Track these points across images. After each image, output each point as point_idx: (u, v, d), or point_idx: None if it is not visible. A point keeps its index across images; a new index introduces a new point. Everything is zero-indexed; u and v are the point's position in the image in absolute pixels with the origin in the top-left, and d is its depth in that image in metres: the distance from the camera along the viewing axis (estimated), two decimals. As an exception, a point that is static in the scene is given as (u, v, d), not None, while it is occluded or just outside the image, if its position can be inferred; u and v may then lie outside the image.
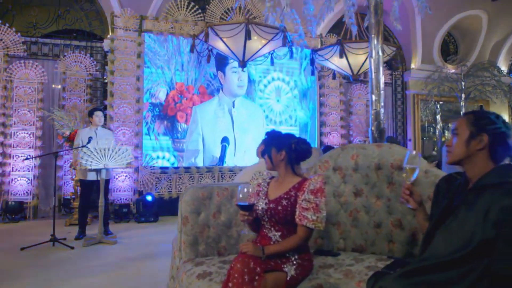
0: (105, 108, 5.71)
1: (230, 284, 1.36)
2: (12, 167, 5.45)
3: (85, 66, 5.92)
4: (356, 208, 1.96)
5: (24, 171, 5.49)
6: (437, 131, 8.77)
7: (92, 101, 6.07)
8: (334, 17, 7.17)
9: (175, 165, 6.05)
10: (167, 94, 6.07)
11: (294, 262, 1.54)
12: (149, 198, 5.48)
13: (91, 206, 4.58)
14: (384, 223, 1.87)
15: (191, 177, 6.01)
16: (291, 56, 4.23)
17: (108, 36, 5.88)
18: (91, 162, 3.83)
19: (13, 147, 5.48)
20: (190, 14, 6.11)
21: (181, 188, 5.92)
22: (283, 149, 1.64)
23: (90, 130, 4.38)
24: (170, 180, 5.94)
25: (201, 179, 6.08)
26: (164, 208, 5.60)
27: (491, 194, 1.14)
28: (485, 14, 8.48)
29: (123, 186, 5.66)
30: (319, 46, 6.46)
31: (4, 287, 2.73)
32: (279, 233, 1.60)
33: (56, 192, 5.33)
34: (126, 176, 5.66)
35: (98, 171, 4.00)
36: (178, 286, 1.72)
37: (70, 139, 5.06)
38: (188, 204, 1.93)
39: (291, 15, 3.38)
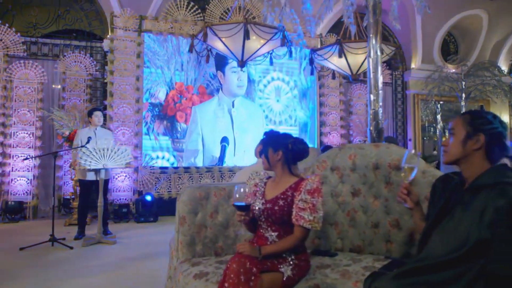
0: (104, 108, 5.71)
1: (226, 284, 1.36)
2: (12, 167, 5.46)
3: (85, 66, 5.92)
4: (353, 208, 1.95)
5: (23, 171, 5.50)
6: (437, 131, 8.76)
7: (92, 101, 6.08)
8: (334, 17, 7.17)
9: (175, 165, 6.06)
10: (167, 94, 6.07)
11: (291, 263, 1.54)
12: (148, 198, 5.48)
13: (90, 206, 4.58)
14: (382, 223, 1.86)
15: (190, 177, 6.01)
16: (290, 56, 4.23)
17: (108, 36, 5.88)
18: (90, 162, 3.83)
19: (13, 147, 5.48)
20: (190, 14, 6.11)
21: (180, 188, 5.92)
22: (279, 149, 1.63)
23: (89, 130, 4.39)
24: (169, 180, 5.94)
25: (200, 179, 6.08)
26: (164, 208, 5.60)
27: (487, 194, 1.14)
28: (486, 13, 8.46)
29: (122, 186, 5.66)
30: (318, 46, 6.45)
31: (3, 287, 2.73)
32: (276, 233, 1.60)
33: (56, 192, 5.34)
34: (125, 176, 5.67)
35: (97, 171, 4.00)
36: (175, 286, 1.72)
37: (70, 139, 5.07)
38: (186, 204, 1.93)
39: (290, 15, 3.38)
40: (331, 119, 7.25)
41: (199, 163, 6.20)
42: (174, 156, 6.09)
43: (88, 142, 4.12)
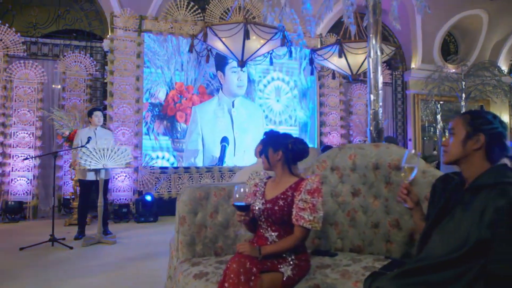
0: (104, 108, 5.71)
1: (226, 284, 1.36)
2: (12, 167, 5.46)
3: (85, 66, 5.92)
4: (353, 208, 1.95)
5: (23, 171, 5.50)
6: (437, 131, 8.76)
7: (92, 101, 6.08)
8: (334, 17, 7.17)
9: (175, 165, 6.06)
10: (167, 94, 6.07)
11: (291, 263, 1.54)
12: (148, 198, 5.48)
13: (90, 206, 4.58)
14: (382, 223, 1.86)
15: (190, 177, 6.01)
16: (290, 56, 4.23)
17: (108, 36, 5.88)
18: (90, 162, 3.83)
19: (13, 147, 5.48)
20: (190, 14, 6.11)
21: (180, 188, 5.92)
22: (279, 149, 1.63)
23: (89, 130, 4.39)
24: (169, 180, 5.94)
25: (200, 179, 6.08)
26: (164, 208, 5.60)
27: (487, 194, 1.14)
28: (486, 13, 8.46)
29: (122, 186, 5.66)
30: (319, 46, 6.45)
31: (3, 287, 2.73)
32: (276, 234, 1.60)
33: (56, 192, 5.35)
34: (125, 176, 5.67)
35: (97, 171, 4.00)
36: (175, 286, 1.72)
37: (70, 139, 5.07)
38: (185, 204, 1.93)
39: (290, 14, 3.38)
40: (331, 119, 7.25)
41: (199, 163, 6.20)
42: (174, 156, 6.09)
43: (88, 142, 4.12)
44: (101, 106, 5.89)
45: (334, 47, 4.14)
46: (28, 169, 5.51)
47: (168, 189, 5.92)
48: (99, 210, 3.99)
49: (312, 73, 4.93)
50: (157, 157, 5.98)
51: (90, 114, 4.43)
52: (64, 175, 5.72)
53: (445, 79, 7.97)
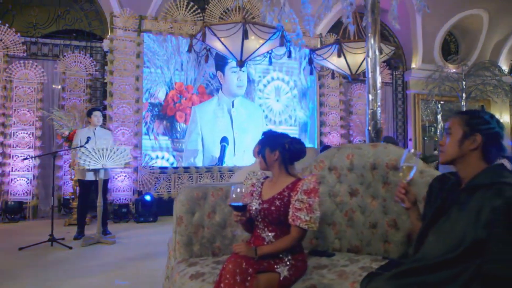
0: (104, 108, 5.71)
1: (222, 285, 1.36)
2: (12, 167, 5.47)
3: (85, 66, 5.93)
4: (351, 208, 1.95)
5: (23, 171, 5.50)
6: (438, 131, 8.74)
7: (92, 101, 6.08)
8: (334, 17, 7.16)
9: (175, 165, 6.06)
10: (166, 94, 6.07)
11: (288, 263, 1.53)
12: (148, 198, 5.49)
13: (90, 206, 4.58)
14: (380, 223, 1.86)
15: (190, 177, 6.01)
16: (289, 56, 4.22)
17: (108, 36, 5.89)
18: (89, 162, 3.83)
19: (13, 147, 5.49)
20: (189, 14, 6.10)
21: (180, 188, 5.92)
22: (276, 149, 1.63)
23: (88, 130, 4.39)
24: (169, 180, 5.94)
25: (200, 179, 6.07)
26: (164, 208, 5.60)
27: (483, 194, 1.13)
28: (486, 13, 8.44)
29: (122, 186, 5.66)
30: (319, 46, 6.44)
31: (3, 287, 2.73)
32: (273, 234, 1.59)
33: (55, 192, 5.35)
34: (125, 176, 5.67)
35: (96, 171, 4.00)
36: (171, 286, 1.72)
37: (69, 139, 5.07)
38: (183, 204, 1.93)
39: (289, 14, 3.37)
40: (331, 119, 7.24)
41: (199, 163, 6.20)
42: (173, 156, 6.09)
43: (87, 142, 4.12)
44: (100, 106, 5.90)
45: (333, 47, 4.14)
46: (28, 169, 5.52)
47: (167, 189, 5.92)
48: (98, 210, 3.99)
49: (311, 73, 4.93)
50: (157, 157, 5.98)
51: (89, 114, 4.43)
52: (64, 175, 5.73)
53: (446, 79, 7.95)
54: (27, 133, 5.57)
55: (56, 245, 3.80)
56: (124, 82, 5.77)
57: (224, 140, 6.35)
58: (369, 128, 2.43)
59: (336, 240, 1.97)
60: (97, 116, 4.39)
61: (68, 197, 5.62)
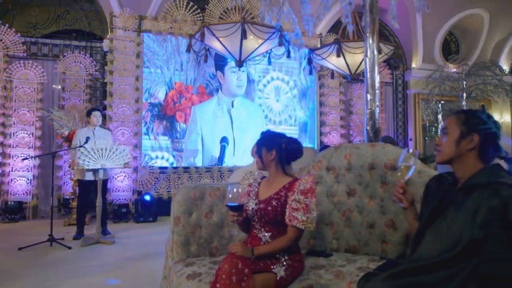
0: (104, 108, 5.72)
1: (217, 285, 1.35)
2: (12, 167, 5.47)
3: (85, 66, 5.93)
4: (349, 208, 1.94)
5: (23, 171, 5.51)
6: (438, 131, 8.72)
7: (92, 101, 6.08)
8: (334, 17, 7.15)
9: (174, 165, 6.06)
10: (166, 94, 6.07)
11: (284, 263, 1.53)
12: (147, 198, 5.49)
13: (89, 206, 4.59)
14: (377, 223, 1.85)
15: (190, 177, 6.01)
16: (288, 56, 4.21)
17: (107, 36, 5.89)
18: (89, 162, 3.83)
19: (13, 147, 5.50)
20: (189, 14, 6.10)
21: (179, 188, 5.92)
22: (273, 149, 1.62)
23: (88, 130, 4.39)
24: (169, 180, 5.94)
25: (200, 179, 6.07)
26: (163, 208, 5.60)
27: (480, 194, 1.13)
28: (487, 13, 8.42)
29: (122, 186, 5.67)
30: (318, 46, 6.43)
31: (2, 287, 2.73)
32: (269, 234, 1.59)
33: (55, 192, 5.35)
34: (125, 176, 5.67)
35: (95, 171, 4.00)
36: (169, 286, 1.72)
37: (69, 139, 5.07)
38: (180, 204, 1.92)
39: (288, 14, 3.37)
40: (331, 119, 7.23)
41: (199, 163, 6.20)
42: (173, 156, 6.09)
43: (86, 142, 4.12)
44: (100, 106, 5.90)
45: (332, 47, 4.13)
46: (28, 169, 5.53)
47: (167, 189, 5.92)
48: (98, 210, 3.99)
49: (310, 73, 4.92)
50: (157, 157, 5.98)
51: (88, 114, 4.43)
52: (64, 175, 5.73)
53: (446, 79, 7.93)
54: (27, 133, 5.58)
55: (56, 245, 3.80)
56: (124, 82, 5.77)
57: (224, 140, 6.35)
58: (368, 128, 2.43)
59: (333, 240, 1.96)
60: (96, 116, 4.39)
61: (68, 197, 5.62)
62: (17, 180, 5.48)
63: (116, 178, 5.62)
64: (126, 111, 5.76)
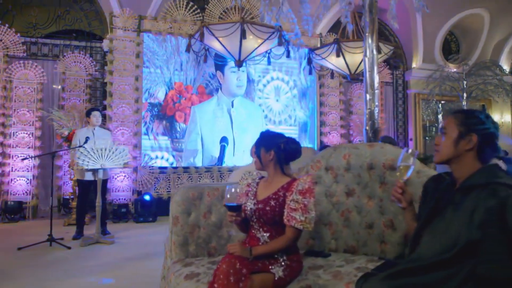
0: (104, 108, 5.72)
1: (215, 285, 1.35)
2: (12, 167, 5.48)
3: (85, 66, 5.93)
4: (348, 208, 1.94)
5: (23, 171, 5.51)
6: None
7: (91, 101, 6.08)
8: (334, 17, 7.14)
9: (174, 165, 6.06)
10: (166, 94, 6.07)
11: (283, 263, 1.53)
12: (147, 198, 5.49)
13: (89, 206, 4.59)
14: (376, 223, 1.84)
15: (190, 177, 6.01)
16: (288, 56, 4.21)
17: (107, 36, 5.89)
18: (88, 162, 3.83)
19: (13, 147, 5.50)
20: (189, 14, 6.10)
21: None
22: (271, 149, 1.62)
23: (87, 130, 4.39)
24: (169, 180, 5.94)
25: (200, 179, 6.07)
26: (163, 208, 5.59)
27: (477, 194, 1.13)
28: (487, 12, 8.41)
29: (121, 186, 5.67)
30: (318, 45, 6.43)
31: (1, 287, 2.73)
32: (268, 234, 1.58)
33: (55, 192, 5.35)
34: (125, 176, 5.67)
35: (95, 171, 4.00)
36: (167, 286, 1.71)
37: (69, 139, 5.07)
38: (178, 204, 1.92)
39: (287, 14, 3.36)
40: (331, 119, 7.23)
41: (198, 163, 6.20)
42: (173, 156, 6.09)
43: (86, 142, 4.12)
44: (100, 106, 5.90)
45: (331, 47, 4.12)
46: (27, 169, 5.53)
47: (167, 189, 5.92)
48: (97, 210, 3.99)
49: (310, 73, 4.92)
50: (156, 157, 5.98)
51: (88, 114, 4.44)
52: (64, 175, 5.73)
53: (446, 79, 7.92)
54: (27, 133, 5.58)
55: (55, 245, 3.80)
56: (124, 82, 5.77)
57: (223, 140, 6.35)
58: (367, 127, 2.42)
59: (332, 240, 1.96)
60: (96, 116, 4.39)
61: (67, 197, 5.63)
62: (17, 180, 5.49)
63: (116, 178, 5.62)
64: (126, 111, 5.76)
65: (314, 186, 1.60)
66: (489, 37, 8.78)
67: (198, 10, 6.16)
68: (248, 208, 1.62)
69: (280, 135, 1.67)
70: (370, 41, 2.44)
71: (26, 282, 2.80)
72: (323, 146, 4.99)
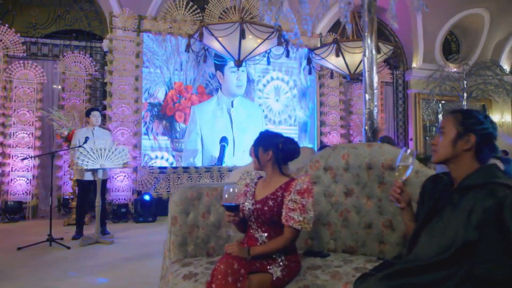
0: (104, 108, 5.72)
1: (213, 286, 1.35)
2: (12, 167, 5.48)
3: (85, 66, 5.93)
4: (346, 208, 1.94)
5: (23, 171, 5.52)
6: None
7: (91, 101, 6.09)
8: (334, 16, 7.13)
9: (174, 165, 6.06)
10: (166, 94, 6.08)
11: (281, 264, 1.52)
12: (147, 198, 5.49)
13: (89, 206, 4.59)
14: (375, 223, 1.84)
15: (189, 177, 6.01)
16: (287, 56, 4.21)
17: (107, 36, 5.89)
18: (87, 162, 3.83)
19: (13, 147, 5.51)
20: (189, 14, 6.10)
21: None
22: (270, 148, 1.62)
23: (87, 130, 4.39)
24: (168, 180, 5.94)
25: (199, 179, 6.07)
26: (163, 208, 5.58)
27: (475, 194, 1.12)
28: (487, 12, 8.40)
29: (121, 186, 5.67)
30: (319, 45, 6.43)
31: (0, 286, 2.73)
32: (266, 234, 1.58)
33: (55, 192, 5.36)
34: (124, 176, 5.67)
35: (95, 171, 4.00)
36: (165, 286, 1.71)
37: (68, 139, 5.08)
38: (177, 205, 1.92)
39: (287, 14, 3.36)
40: (331, 119, 7.23)
41: (198, 163, 6.20)
42: (173, 156, 6.09)
43: (85, 142, 4.12)
44: (100, 106, 5.90)
45: (331, 47, 4.12)
46: (27, 169, 5.53)
47: (167, 189, 5.92)
48: (97, 210, 3.99)
49: (310, 72, 4.91)
50: (156, 157, 5.98)
51: (87, 114, 4.44)
52: (64, 175, 5.74)
53: (447, 79, 7.92)
54: (26, 133, 5.58)
55: (55, 245, 3.80)
56: (124, 82, 5.77)
57: (223, 140, 6.35)
58: (366, 127, 2.42)
59: (331, 240, 1.95)
60: (95, 116, 4.39)
61: (67, 197, 5.63)
62: (17, 180, 5.49)
63: (115, 178, 5.62)
64: (126, 111, 5.76)
65: (312, 186, 1.59)
66: (490, 37, 8.77)
67: (198, 10, 6.16)
68: (246, 208, 1.61)
69: (278, 135, 1.67)
70: (369, 41, 2.43)
71: (25, 282, 2.80)
72: (322, 146, 4.99)
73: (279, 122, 6.91)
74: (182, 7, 6.06)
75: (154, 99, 6.02)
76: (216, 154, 6.31)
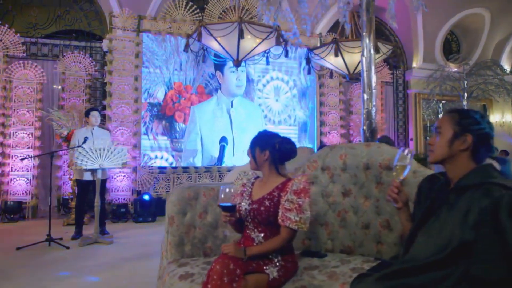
0: (103, 108, 5.72)
1: (209, 286, 1.34)
2: (11, 167, 5.49)
3: (84, 66, 5.94)
4: (344, 208, 1.93)
5: (23, 171, 5.52)
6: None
7: (91, 101, 6.09)
8: (334, 16, 7.12)
9: (173, 165, 6.06)
10: (165, 94, 6.07)
11: (277, 264, 1.52)
12: (146, 198, 5.49)
13: (88, 206, 4.59)
14: (372, 223, 1.84)
15: (189, 177, 6.01)
16: (286, 55, 4.20)
17: (107, 36, 5.90)
18: (87, 162, 3.83)
19: (12, 147, 5.51)
20: (188, 14, 6.10)
21: (179, 188, 5.92)
22: (266, 149, 1.61)
23: (86, 130, 4.39)
24: (168, 180, 5.94)
25: (199, 179, 6.07)
26: (162, 208, 5.48)
27: (471, 194, 1.12)
28: (488, 12, 8.39)
29: (121, 186, 5.67)
30: (318, 45, 6.42)
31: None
32: (262, 234, 1.58)
33: (54, 192, 5.36)
34: (124, 176, 5.68)
35: (94, 171, 4.00)
36: (162, 286, 1.71)
37: (68, 139, 5.08)
38: (174, 205, 1.92)
39: (286, 14, 3.36)
40: (330, 119, 7.22)
41: (198, 163, 6.20)
42: (172, 156, 6.09)
43: (84, 142, 4.12)
44: (99, 106, 5.91)
45: (330, 47, 4.11)
46: (27, 169, 5.54)
47: (166, 189, 5.92)
48: (96, 210, 3.99)
49: (309, 72, 4.91)
50: (156, 157, 5.98)
51: (87, 114, 4.44)
52: (63, 175, 5.74)
53: (447, 78, 7.90)
54: (26, 133, 5.59)
55: (54, 245, 3.80)
56: (123, 82, 5.77)
57: (223, 140, 6.35)
58: (364, 127, 2.41)
59: (328, 240, 1.95)
60: (95, 116, 4.39)
61: (67, 197, 5.63)
62: (17, 180, 5.50)
63: (115, 178, 5.62)
64: (125, 111, 5.77)
65: (309, 186, 1.59)
66: (490, 37, 8.75)
67: (198, 10, 6.16)
68: (243, 208, 1.61)
69: (275, 135, 1.67)
70: (367, 40, 2.43)
71: (24, 282, 2.80)
72: (321, 146, 4.98)
73: (279, 122, 6.90)
74: (182, 7, 6.06)
75: (153, 99, 6.02)
76: (216, 154, 6.31)
